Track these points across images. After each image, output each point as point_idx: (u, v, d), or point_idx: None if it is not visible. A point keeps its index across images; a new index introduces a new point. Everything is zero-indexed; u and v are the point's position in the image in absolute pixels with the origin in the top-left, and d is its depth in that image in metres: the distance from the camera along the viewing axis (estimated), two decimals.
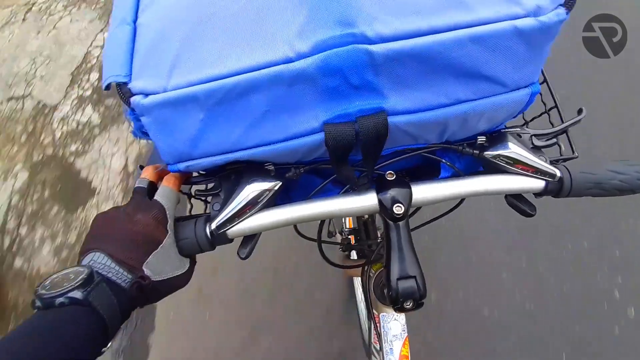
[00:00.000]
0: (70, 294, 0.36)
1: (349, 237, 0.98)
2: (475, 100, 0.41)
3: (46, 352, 0.33)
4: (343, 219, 1.13)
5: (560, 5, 0.38)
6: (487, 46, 0.37)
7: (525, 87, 0.43)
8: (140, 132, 0.44)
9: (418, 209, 0.61)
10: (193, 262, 0.48)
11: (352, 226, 1.08)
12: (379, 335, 0.68)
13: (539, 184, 0.49)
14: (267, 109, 0.39)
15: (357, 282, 1.37)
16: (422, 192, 0.47)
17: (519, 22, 0.37)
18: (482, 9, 0.37)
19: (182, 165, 0.44)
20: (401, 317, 0.64)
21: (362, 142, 0.40)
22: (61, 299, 0.36)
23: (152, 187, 0.49)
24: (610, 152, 1.65)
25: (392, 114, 0.40)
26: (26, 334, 0.35)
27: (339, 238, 1.04)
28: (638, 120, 1.75)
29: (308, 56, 0.36)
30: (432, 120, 0.41)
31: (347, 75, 0.37)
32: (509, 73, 0.40)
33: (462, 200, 0.57)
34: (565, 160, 0.55)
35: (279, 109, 0.39)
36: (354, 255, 1.02)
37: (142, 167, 0.52)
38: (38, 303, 0.37)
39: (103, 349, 0.38)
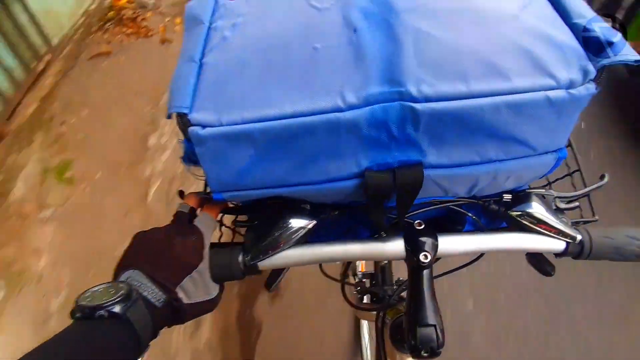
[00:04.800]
0: (110, 308, 0.38)
1: (363, 280, 0.99)
2: (505, 160, 0.44)
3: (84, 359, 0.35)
4: (356, 262, 1.15)
5: (591, 80, 0.41)
6: (521, 112, 0.40)
7: (553, 151, 0.46)
8: (190, 160, 0.47)
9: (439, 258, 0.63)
10: (222, 289, 0.50)
11: (364, 270, 1.09)
12: None
13: (559, 245, 0.51)
14: (313, 152, 0.42)
15: (365, 325, 1.35)
16: (448, 243, 0.50)
17: (552, 93, 0.40)
18: (519, 79, 0.40)
19: (226, 195, 0.47)
20: None
21: (398, 190, 0.42)
22: (101, 312, 0.38)
23: (193, 213, 0.51)
24: None
25: (428, 167, 0.43)
26: (66, 340, 0.37)
27: (352, 280, 1.05)
28: None
29: (357, 108, 0.40)
30: (465, 176, 0.44)
31: (390, 128, 0.40)
32: (539, 138, 0.43)
33: (483, 253, 0.59)
34: (585, 222, 0.57)
35: (325, 153, 0.42)
36: (366, 298, 1.02)
37: (181, 192, 0.55)
38: (78, 313, 0.39)
39: None
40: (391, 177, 0.42)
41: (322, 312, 1.51)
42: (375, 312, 0.75)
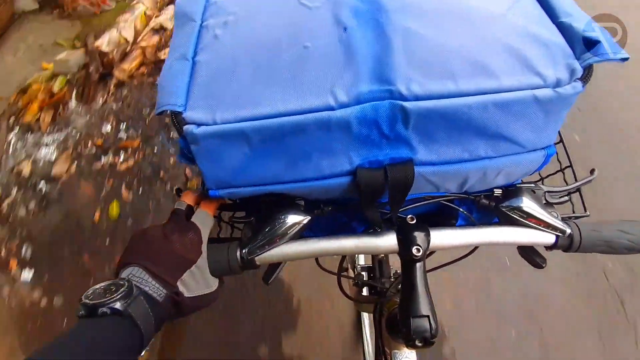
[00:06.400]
0: (112, 305, 0.39)
1: (362, 273, 1.00)
2: (495, 157, 0.45)
3: (90, 356, 0.37)
4: (356, 256, 1.16)
5: (578, 79, 0.42)
6: (509, 111, 0.41)
7: (542, 149, 0.47)
8: (186, 158, 0.48)
9: (433, 252, 0.64)
10: (222, 283, 0.51)
11: (365, 263, 1.11)
12: None
13: (549, 238, 0.52)
14: (306, 149, 0.43)
15: (366, 318, 1.37)
16: (440, 237, 0.51)
17: (539, 92, 0.41)
18: (506, 78, 0.41)
19: (222, 192, 0.48)
20: (412, 355, 0.65)
21: (390, 187, 0.44)
22: (104, 309, 0.39)
23: (190, 210, 0.53)
24: None
25: (418, 164, 0.44)
26: (72, 339, 0.38)
27: (351, 274, 1.07)
28: None
29: (348, 106, 0.41)
30: (455, 173, 0.45)
31: (381, 126, 0.41)
32: (527, 135, 0.44)
33: (476, 247, 0.60)
34: (577, 217, 0.58)
35: (317, 150, 0.43)
36: (364, 291, 1.03)
37: (179, 190, 0.56)
38: (82, 311, 0.40)
39: (138, 357, 0.41)
40: (382, 174, 0.43)
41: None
42: (373, 305, 0.76)
